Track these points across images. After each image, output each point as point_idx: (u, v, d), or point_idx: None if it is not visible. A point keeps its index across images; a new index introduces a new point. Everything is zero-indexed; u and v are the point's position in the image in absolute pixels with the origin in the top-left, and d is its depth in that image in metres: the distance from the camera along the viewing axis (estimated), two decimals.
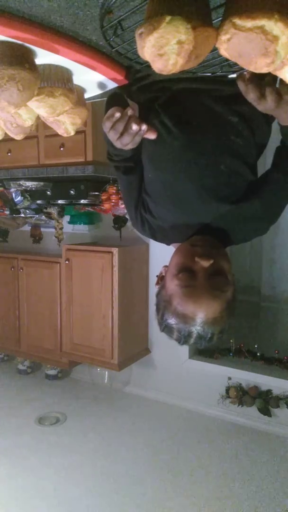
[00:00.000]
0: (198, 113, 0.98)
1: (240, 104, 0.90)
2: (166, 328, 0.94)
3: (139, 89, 1.03)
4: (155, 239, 1.12)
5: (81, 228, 3.51)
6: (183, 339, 0.92)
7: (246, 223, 1.04)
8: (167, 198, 1.02)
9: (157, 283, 1.03)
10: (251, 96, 0.78)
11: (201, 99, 0.98)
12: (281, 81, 0.76)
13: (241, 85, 0.78)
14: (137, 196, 1.09)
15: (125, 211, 2.98)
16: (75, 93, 0.91)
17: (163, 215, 1.05)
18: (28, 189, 3.08)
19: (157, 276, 1.04)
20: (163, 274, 1.01)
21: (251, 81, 0.77)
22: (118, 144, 0.91)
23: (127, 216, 3.14)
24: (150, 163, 1.04)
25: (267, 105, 0.78)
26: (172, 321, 0.91)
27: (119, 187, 1.22)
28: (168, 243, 1.10)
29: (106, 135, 0.95)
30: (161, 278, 1.02)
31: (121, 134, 0.87)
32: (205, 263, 0.88)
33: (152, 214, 1.07)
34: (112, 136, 0.89)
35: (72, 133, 1.05)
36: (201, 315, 0.88)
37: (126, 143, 0.89)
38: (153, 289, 3.32)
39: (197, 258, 0.89)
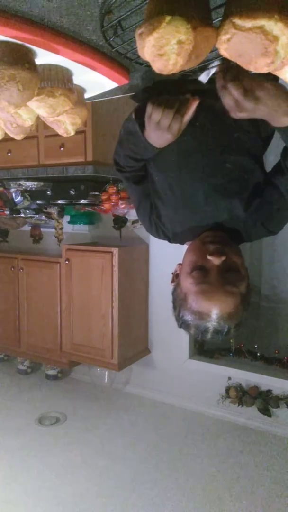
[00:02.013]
0: (201, 113, 0.98)
1: None
2: (183, 325, 0.96)
3: (144, 93, 1.04)
4: (170, 241, 1.13)
5: (81, 228, 3.51)
6: (200, 334, 0.94)
7: (255, 227, 1.05)
8: (175, 199, 1.03)
9: (172, 281, 1.04)
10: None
11: (202, 100, 0.98)
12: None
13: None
14: (151, 203, 1.10)
15: (125, 211, 2.98)
16: (75, 93, 0.91)
17: (174, 218, 1.06)
18: (28, 189, 3.08)
19: (172, 273, 1.06)
20: (178, 272, 1.02)
21: (219, 79, 0.82)
22: (158, 130, 0.89)
23: (127, 216, 3.14)
24: (155, 166, 1.04)
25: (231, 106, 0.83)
26: (188, 318, 0.93)
27: (130, 196, 1.23)
28: (181, 243, 1.12)
29: (123, 147, 0.97)
30: (176, 276, 1.03)
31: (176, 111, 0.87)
32: (217, 261, 0.89)
33: (162, 222, 1.08)
34: (164, 122, 0.87)
35: (72, 133, 1.05)
36: (216, 311, 0.89)
37: (166, 125, 0.88)
38: (153, 289, 3.32)
39: (209, 256, 0.90)
